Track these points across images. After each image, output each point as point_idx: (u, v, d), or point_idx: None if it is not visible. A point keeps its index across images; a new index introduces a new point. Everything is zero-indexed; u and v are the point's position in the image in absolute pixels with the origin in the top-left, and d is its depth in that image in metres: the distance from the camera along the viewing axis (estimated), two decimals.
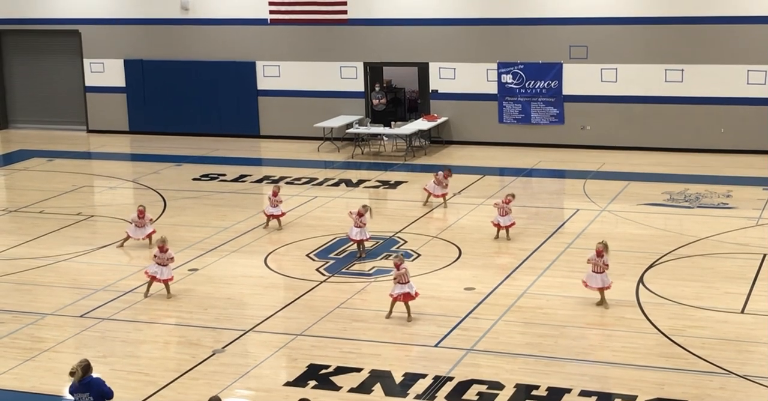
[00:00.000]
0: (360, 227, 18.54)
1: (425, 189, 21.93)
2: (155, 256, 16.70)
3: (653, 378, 13.21)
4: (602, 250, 15.77)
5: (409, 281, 15.46)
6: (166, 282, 16.69)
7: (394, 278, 15.52)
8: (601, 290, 15.81)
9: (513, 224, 19.39)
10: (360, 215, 18.56)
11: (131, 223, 19.46)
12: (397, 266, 15.45)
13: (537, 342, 14.51)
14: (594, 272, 15.80)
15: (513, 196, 19.51)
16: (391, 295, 15.53)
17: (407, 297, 15.43)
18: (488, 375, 13.38)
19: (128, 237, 19.42)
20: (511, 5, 27.59)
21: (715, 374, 13.31)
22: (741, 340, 14.42)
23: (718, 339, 14.42)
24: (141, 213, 19.33)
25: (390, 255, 18.52)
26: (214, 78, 30.16)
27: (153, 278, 16.66)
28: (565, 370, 13.55)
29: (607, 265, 15.79)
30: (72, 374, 11.15)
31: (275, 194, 20.28)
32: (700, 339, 14.40)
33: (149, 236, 19.39)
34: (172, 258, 16.69)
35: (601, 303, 15.80)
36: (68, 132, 31.95)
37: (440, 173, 21.76)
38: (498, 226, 19.37)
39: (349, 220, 18.96)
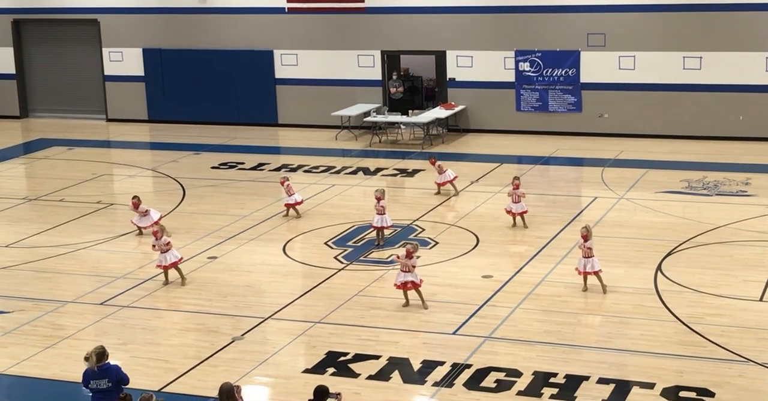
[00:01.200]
0: (381, 213, 18.58)
1: (435, 182, 21.99)
2: (153, 246, 16.80)
3: (672, 365, 13.22)
4: (586, 234, 15.78)
5: (412, 270, 15.47)
6: (175, 266, 16.77)
7: (397, 260, 15.61)
8: (584, 274, 15.85)
9: (526, 211, 19.37)
10: (378, 200, 18.59)
11: (136, 213, 19.49)
12: (410, 255, 15.48)
13: (555, 329, 14.53)
14: (582, 256, 15.87)
15: (518, 178, 19.45)
16: (395, 285, 15.58)
17: (414, 285, 15.48)
18: (506, 363, 13.41)
19: (140, 229, 19.48)
20: None
21: (734, 362, 13.31)
22: (760, 328, 14.39)
23: (736, 327, 14.41)
24: (135, 205, 19.34)
25: (407, 243, 18.55)
26: (232, 67, 30.21)
27: (164, 268, 16.77)
28: (583, 358, 13.57)
29: (590, 249, 15.79)
30: (86, 359, 11.20)
31: (282, 184, 20.35)
32: (719, 327, 14.40)
33: (158, 223, 19.42)
34: (168, 242, 16.71)
35: (585, 289, 15.91)
36: (87, 121, 32.08)
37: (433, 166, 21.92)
38: (511, 213, 19.35)
39: (368, 208, 19.00)
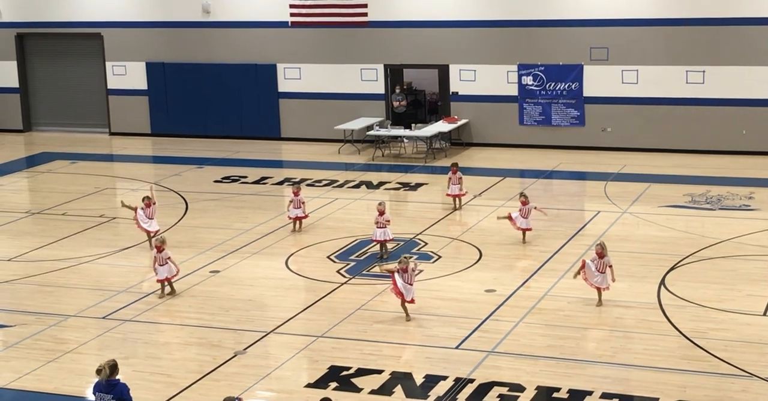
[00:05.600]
0: (383, 227, 18.58)
1: (448, 195, 21.89)
2: (155, 258, 16.82)
3: (675, 380, 13.18)
4: (601, 252, 15.80)
5: (411, 284, 15.48)
6: (168, 280, 16.80)
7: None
8: (599, 289, 15.89)
9: (529, 229, 19.30)
10: (381, 213, 18.59)
11: (143, 213, 19.44)
12: (404, 270, 15.51)
13: (558, 344, 14.49)
14: (597, 271, 15.88)
15: (523, 195, 19.38)
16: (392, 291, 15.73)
17: (402, 299, 15.52)
18: (509, 377, 13.37)
19: (149, 233, 19.48)
20: (531, 7, 27.58)
21: (738, 377, 13.27)
22: (763, 342, 14.35)
23: (740, 342, 14.37)
24: (148, 205, 19.38)
25: (411, 257, 18.53)
26: (235, 81, 30.26)
27: (161, 281, 16.79)
28: (587, 372, 13.53)
29: (611, 267, 15.81)
30: (99, 372, 11.29)
31: (296, 194, 20.31)
32: (723, 342, 14.35)
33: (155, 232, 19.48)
34: (169, 257, 16.75)
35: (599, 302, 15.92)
36: (90, 135, 32.13)
37: (449, 173, 21.79)
38: (517, 226, 19.29)
39: (371, 221, 19.01)
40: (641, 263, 17.88)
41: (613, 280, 15.86)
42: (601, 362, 13.88)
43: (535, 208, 19.31)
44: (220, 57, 30.40)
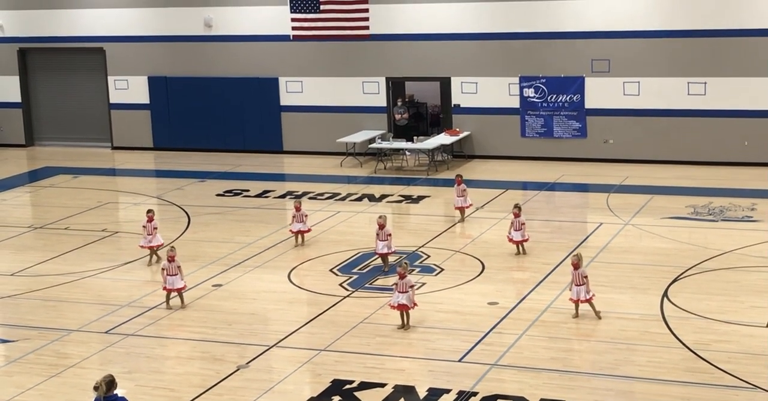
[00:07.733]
0: (384, 240, 18.59)
1: (456, 207, 21.89)
2: (163, 269, 16.92)
3: (678, 392, 13.15)
4: (576, 262, 15.78)
5: (407, 292, 15.55)
6: (179, 291, 16.90)
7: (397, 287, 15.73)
8: (575, 302, 15.86)
9: (526, 239, 19.29)
10: (382, 227, 18.60)
11: (144, 229, 19.45)
12: (402, 276, 15.56)
13: (561, 356, 14.48)
14: (574, 284, 15.88)
15: (517, 207, 19.38)
16: (390, 305, 15.77)
17: (402, 307, 15.57)
18: (512, 390, 13.35)
19: (152, 251, 19.48)
20: (532, 19, 27.62)
21: (741, 389, 13.24)
22: (767, 354, 14.32)
23: (743, 354, 14.34)
24: (150, 219, 19.37)
25: (414, 270, 18.52)
26: (237, 94, 30.31)
27: (169, 291, 16.85)
28: (590, 385, 13.51)
29: (586, 277, 15.82)
30: (96, 388, 11.21)
31: (298, 209, 20.33)
32: (726, 354, 14.33)
33: (157, 247, 19.46)
34: (179, 266, 16.87)
35: (576, 315, 15.91)
36: (93, 149, 32.18)
37: (455, 185, 21.80)
38: (513, 241, 19.30)
39: (374, 234, 19.03)
40: (644, 275, 17.87)
41: (588, 291, 15.82)
42: (604, 374, 13.85)
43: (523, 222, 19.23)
44: (222, 71, 30.46)
